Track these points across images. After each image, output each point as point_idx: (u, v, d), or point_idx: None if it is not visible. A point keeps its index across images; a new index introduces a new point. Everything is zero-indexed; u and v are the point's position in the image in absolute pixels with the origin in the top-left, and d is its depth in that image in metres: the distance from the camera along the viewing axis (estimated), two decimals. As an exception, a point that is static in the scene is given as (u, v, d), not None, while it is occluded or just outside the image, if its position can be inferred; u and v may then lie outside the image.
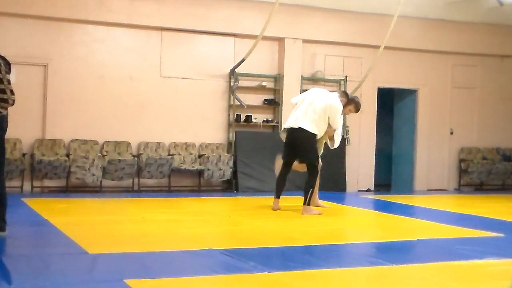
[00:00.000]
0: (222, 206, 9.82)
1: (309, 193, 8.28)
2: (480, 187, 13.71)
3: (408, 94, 13.48)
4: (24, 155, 10.46)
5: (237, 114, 11.87)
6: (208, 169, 11.23)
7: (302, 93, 9.14)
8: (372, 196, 11.78)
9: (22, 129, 10.58)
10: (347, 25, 12.54)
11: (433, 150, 13.47)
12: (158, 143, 11.41)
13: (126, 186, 11.07)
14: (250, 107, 11.93)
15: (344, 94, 8.90)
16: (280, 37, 12.09)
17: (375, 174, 13.04)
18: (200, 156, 11.53)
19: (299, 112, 8.46)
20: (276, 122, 12.11)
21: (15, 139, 10.48)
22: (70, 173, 10.46)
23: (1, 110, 5.95)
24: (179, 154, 11.46)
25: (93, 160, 10.52)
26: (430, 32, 13.10)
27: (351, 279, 4.92)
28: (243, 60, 11.43)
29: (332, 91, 9.08)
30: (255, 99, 12.10)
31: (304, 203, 8.29)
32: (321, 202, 9.02)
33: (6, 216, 6.10)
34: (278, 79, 12.23)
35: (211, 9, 11.66)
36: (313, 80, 12.45)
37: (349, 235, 7.24)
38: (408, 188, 13.28)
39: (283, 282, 4.67)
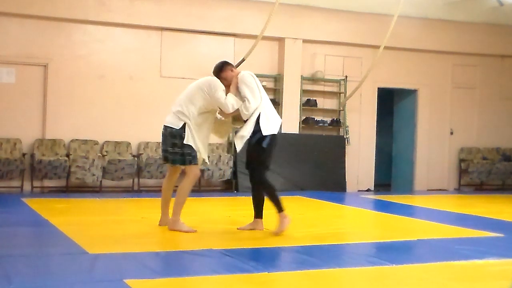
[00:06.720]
0: (222, 206, 9.82)
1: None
2: (480, 187, 13.70)
3: (408, 94, 13.48)
4: (24, 155, 10.46)
5: (237, 114, 11.85)
6: (208, 169, 11.23)
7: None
8: (372, 196, 11.77)
9: (22, 129, 10.60)
10: (347, 25, 12.54)
11: (433, 150, 13.46)
12: (158, 143, 11.37)
13: (126, 186, 11.06)
14: (250, 107, 11.90)
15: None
16: (280, 37, 12.09)
17: (375, 174, 13.03)
18: (200, 156, 11.52)
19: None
20: (276, 122, 12.07)
21: (15, 139, 10.49)
22: (70, 173, 10.45)
23: None
24: (179, 154, 11.44)
25: (93, 160, 10.52)
26: (430, 32, 13.09)
27: (351, 279, 4.92)
28: (243, 60, 11.40)
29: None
30: (255, 99, 12.08)
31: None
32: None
33: None
34: (278, 79, 12.23)
35: (211, 9, 11.66)
36: (313, 80, 12.45)
37: (349, 235, 7.23)
38: (408, 188, 13.27)
39: (283, 282, 4.67)
